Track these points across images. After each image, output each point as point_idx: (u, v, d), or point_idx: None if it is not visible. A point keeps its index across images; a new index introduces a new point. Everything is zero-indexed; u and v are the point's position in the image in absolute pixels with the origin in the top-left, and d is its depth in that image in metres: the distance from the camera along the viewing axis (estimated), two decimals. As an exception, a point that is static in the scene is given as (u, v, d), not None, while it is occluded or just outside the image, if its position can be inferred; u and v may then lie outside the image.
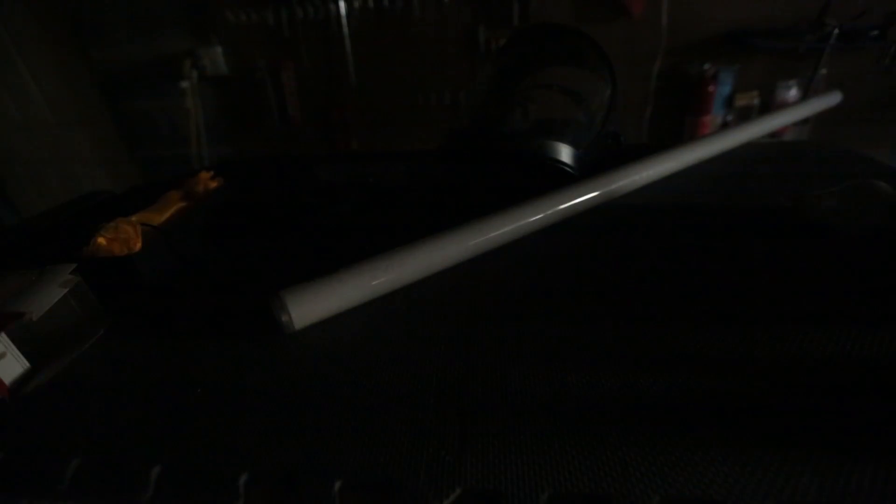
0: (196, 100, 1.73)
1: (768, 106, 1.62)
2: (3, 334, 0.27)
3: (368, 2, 1.63)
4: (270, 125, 1.87)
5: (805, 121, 1.07)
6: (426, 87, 1.75)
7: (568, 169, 0.46)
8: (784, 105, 1.37)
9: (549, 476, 0.21)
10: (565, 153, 0.46)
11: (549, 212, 0.40)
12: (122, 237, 0.37)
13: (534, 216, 0.39)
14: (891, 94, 1.54)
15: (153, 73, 1.73)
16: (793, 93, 1.59)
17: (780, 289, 0.33)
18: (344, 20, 1.66)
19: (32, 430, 0.25)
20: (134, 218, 0.41)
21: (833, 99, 0.68)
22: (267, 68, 1.77)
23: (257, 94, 1.81)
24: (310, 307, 0.31)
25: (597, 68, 0.51)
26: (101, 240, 0.36)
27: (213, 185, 0.51)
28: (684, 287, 0.34)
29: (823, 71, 1.48)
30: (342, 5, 1.64)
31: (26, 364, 0.28)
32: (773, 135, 0.63)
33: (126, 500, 0.21)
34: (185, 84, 1.69)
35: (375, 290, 0.33)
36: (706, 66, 1.58)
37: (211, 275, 0.41)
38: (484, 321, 0.31)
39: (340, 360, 0.29)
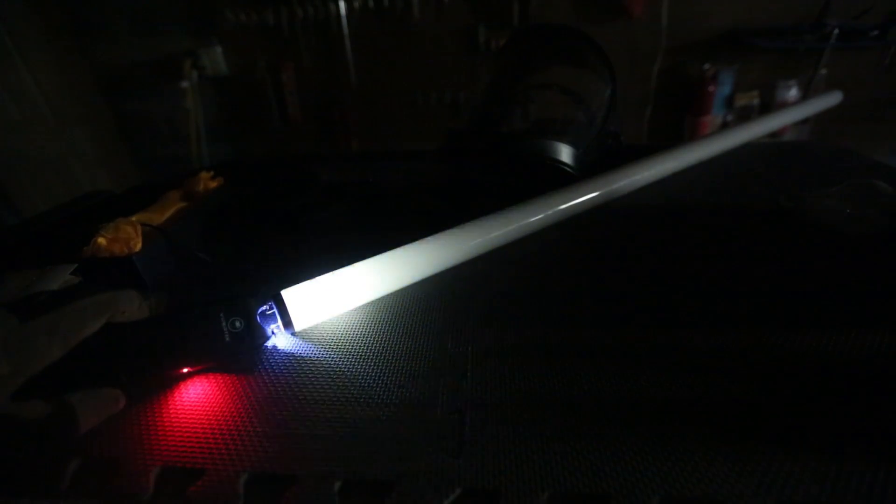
0: (196, 100, 1.73)
1: (768, 106, 1.62)
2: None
3: (368, 2, 1.63)
4: (270, 125, 1.87)
5: (805, 121, 1.07)
6: (426, 87, 1.75)
7: (568, 169, 0.46)
8: (784, 105, 1.37)
9: (549, 476, 0.21)
10: (565, 153, 0.46)
11: (549, 212, 0.40)
12: (122, 237, 0.37)
13: (534, 216, 0.39)
14: (891, 94, 1.54)
15: (153, 73, 1.73)
16: (793, 93, 1.59)
17: (781, 289, 0.33)
18: (344, 20, 1.66)
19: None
20: (134, 218, 0.41)
21: (833, 99, 0.68)
22: (267, 68, 1.77)
23: (257, 94, 1.81)
24: (310, 307, 0.31)
25: (597, 68, 0.51)
26: (101, 240, 0.36)
27: (213, 185, 0.51)
28: (684, 287, 0.34)
29: (823, 71, 1.48)
30: (342, 5, 1.64)
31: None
32: (773, 135, 0.63)
33: (126, 500, 0.21)
34: (185, 84, 1.69)
35: (375, 290, 0.33)
36: (706, 66, 1.58)
37: (211, 275, 0.41)
38: (483, 321, 0.31)
39: (340, 360, 0.29)
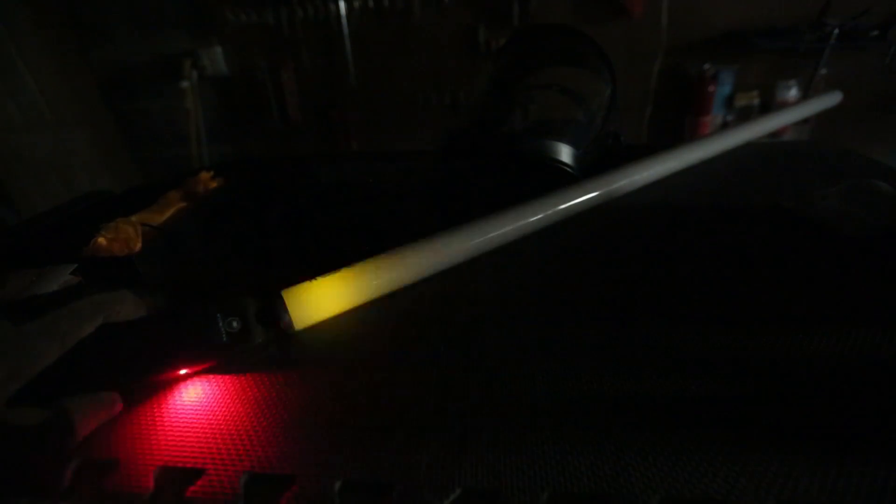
0: (196, 100, 1.74)
1: (768, 106, 1.62)
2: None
3: (368, 2, 1.63)
4: (270, 125, 1.87)
5: (805, 121, 1.07)
6: (426, 87, 1.75)
7: (568, 169, 0.46)
8: (784, 105, 1.37)
9: (549, 476, 0.21)
10: (565, 153, 0.46)
11: (549, 212, 0.40)
12: (122, 237, 0.37)
13: (534, 216, 0.39)
14: (891, 95, 1.54)
15: (153, 73, 1.73)
16: (793, 93, 1.59)
17: (780, 289, 0.33)
18: (344, 20, 1.67)
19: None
20: (134, 218, 0.41)
21: (833, 99, 0.68)
22: (267, 68, 1.77)
23: (257, 94, 1.81)
24: (310, 307, 0.31)
25: (597, 68, 0.51)
26: (101, 240, 0.36)
27: (213, 185, 0.51)
28: (683, 287, 0.34)
29: (823, 71, 1.48)
30: (342, 5, 1.64)
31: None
32: (773, 135, 0.63)
33: (126, 500, 0.21)
34: (185, 84, 1.69)
35: (376, 290, 0.33)
36: (706, 66, 1.58)
37: (211, 275, 0.41)
38: (484, 321, 0.31)
39: (340, 361, 0.29)
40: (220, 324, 0.28)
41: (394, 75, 1.75)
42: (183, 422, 0.25)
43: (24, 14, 1.50)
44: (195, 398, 0.26)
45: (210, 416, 0.25)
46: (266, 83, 1.79)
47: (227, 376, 0.28)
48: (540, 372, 0.27)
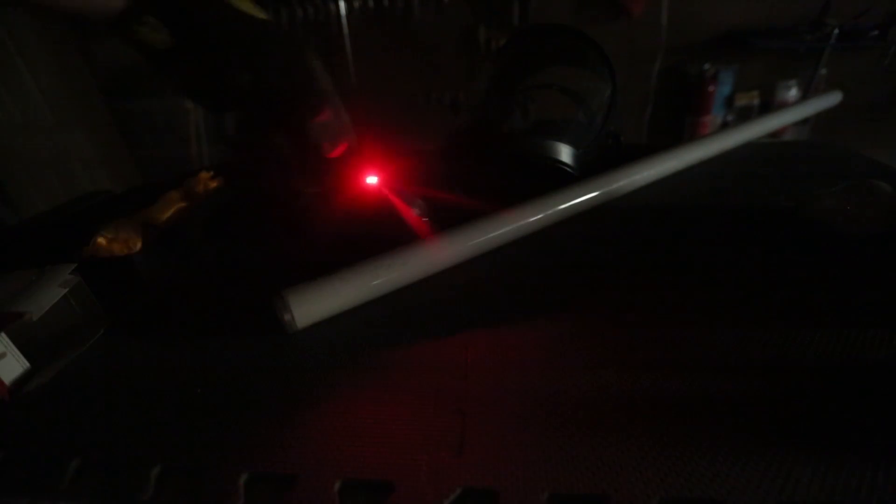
0: (196, 100, 1.73)
1: (768, 106, 1.62)
2: (3, 334, 0.27)
3: (368, 2, 1.63)
4: (270, 125, 1.87)
5: (805, 121, 1.07)
6: (426, 87, 1.75)
7: (568, 169, 0.46)
8: (784, 105, 1.37)
9: (549, 476, 0.21)
10: (565, 153, 0.46)
11: (549, 212, 0.40)
12: (122, 237, 0.37)
13: (534, 216, 0.39)
14: (891, 95, 1.54)
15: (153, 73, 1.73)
16: (793, 93, 1.59)
17: (780, 289, 0.33)
18: (344, 20, 1.66)
19: (32, 430, 0.25)
20: (134, 218, 0.41)
21: (833, 99, 0.68)
22: (267, 68, 1.77)
23: (257, 94, 1.81)
24: (312, 306, 0.31)
25: (597, 68, 0.51)
26: (101, 240, 0.36)
27: (213, 185, 0.51)
28: (684, 287, 0.34)
29: (823, 71, 1.49)
30: (342, 5, 1.64)
31: (26, 364, 0.28)
32: (773, 135, 0.63)
33: (126, 500, 0.21)
34: (185, 84, 1.68)
35: (376, 289, 0.33)
36: (706, 66, 1.58)
37: (211, 275, 0.41)
38: (484, 321, 0.31)
39: (341, 360, 0.29)
40: None
41: (394, 75, 1.75)
42: (183, 421, 0.25)
43: (25, 14, 1.50)
44: (195, 397, 0.26)
45: (210, 416, 0.25)
46: (266, 83, 1.79)
47: (228, 376, 0.28)
48: (539, 371, 0.27)
